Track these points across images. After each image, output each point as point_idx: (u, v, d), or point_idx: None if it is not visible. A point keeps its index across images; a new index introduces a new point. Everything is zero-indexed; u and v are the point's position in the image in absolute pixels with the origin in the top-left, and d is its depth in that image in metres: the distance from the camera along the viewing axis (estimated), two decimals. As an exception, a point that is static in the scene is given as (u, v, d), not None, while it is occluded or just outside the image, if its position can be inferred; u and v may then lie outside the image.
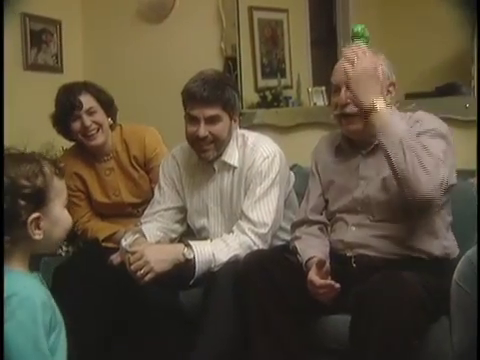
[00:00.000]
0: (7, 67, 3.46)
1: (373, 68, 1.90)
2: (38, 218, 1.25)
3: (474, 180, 2.21)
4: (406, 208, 1.97)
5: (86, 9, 3.80)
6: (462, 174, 2.12)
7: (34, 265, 2.79)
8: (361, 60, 1.89)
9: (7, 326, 1.17)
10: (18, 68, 3.58)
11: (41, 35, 3.64)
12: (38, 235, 1.26)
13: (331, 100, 2.17)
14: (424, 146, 1.84)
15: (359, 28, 2.02)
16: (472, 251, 1.73)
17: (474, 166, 1.91)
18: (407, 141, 1.81)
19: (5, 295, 1.19)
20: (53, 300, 1.29)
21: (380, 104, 1.87)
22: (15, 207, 1.22)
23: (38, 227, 1.25)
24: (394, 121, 1.86)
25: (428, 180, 1.79)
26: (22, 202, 1.22)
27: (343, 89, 2.05)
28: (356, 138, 2.15)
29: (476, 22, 2.28)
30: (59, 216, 1.31)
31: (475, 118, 2.36)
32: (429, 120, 2.04)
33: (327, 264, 1.98)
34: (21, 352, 1.18)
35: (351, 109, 2.04)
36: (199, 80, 2.26)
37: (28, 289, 1.23)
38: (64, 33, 3.72)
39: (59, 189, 1.31)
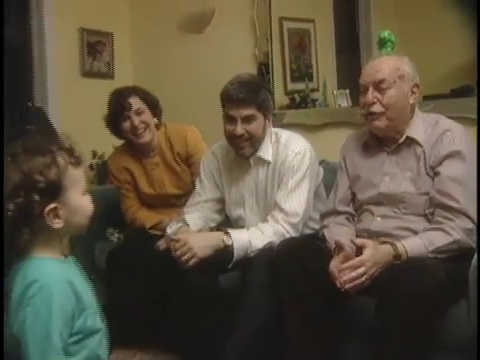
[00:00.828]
0: (67, 74, 3.58)
1: None
2: (55, 208, 1.17)
3: None
4: (429, 204, 1.94)
5: (134, 22, 3.84)
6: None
7: (89, 250, 2.87)
8: None
9: (26, 311, 1.12)
10: (76, 75, 3.66)
11: (96, 46, 3.71)
12: (58, 224, 1.19)
13: (359, 100, 2.12)
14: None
15: (385, 34, 2.00)
16: None
17: None
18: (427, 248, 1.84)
19: (27, 281, 1.14)
20: (78, 286, 1.21)
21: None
22: (30, 201, 1.15)
23: (57, 216, 1.18)
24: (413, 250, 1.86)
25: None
26: (36, 196, 1.15)
27: (370, 90, 2.01)
28: (381, 134, 2.10)
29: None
30: (77, 203, 1.22)
31: None
32: (452, 135, 1.98)
33: (347, 248, 1.91)
34: (36, 339, 1.12)
35: (377, 108, 2.01)
36: (236, 83, 2.24)
37: (47, 277, 1.16)
38: (115, 44, 3.78)
39: (75, 177, 1.22)
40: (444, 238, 1.85)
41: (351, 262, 1.83)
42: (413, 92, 2.03)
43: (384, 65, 2.02)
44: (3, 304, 1.16)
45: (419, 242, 1.86)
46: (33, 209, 1.15)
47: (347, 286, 1.81)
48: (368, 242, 1.87)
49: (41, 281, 1.13)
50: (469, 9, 2.50)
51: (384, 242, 1.93)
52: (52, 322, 1.12)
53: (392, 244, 1.87)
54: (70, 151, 1.23)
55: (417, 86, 2.04)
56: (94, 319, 1.24)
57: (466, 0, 2.57)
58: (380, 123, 2.02)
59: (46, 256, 1.21)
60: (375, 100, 2.00)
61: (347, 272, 1.82)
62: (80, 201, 1.23)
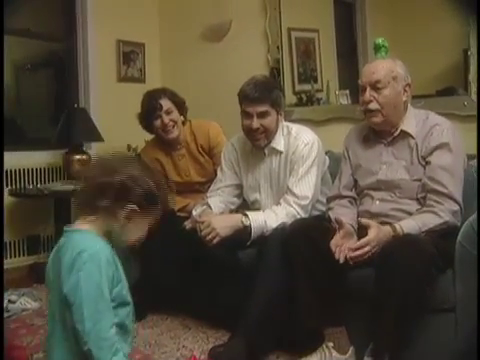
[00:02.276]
0: (106, 79, 3.57)
1: None
2: (134, 211, 1.19)
3: (473, 162, 2.07)
4: (421, 190, 1.91)
5: (163, 34, 3.85)
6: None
7: None
8: None
9: (79, 275, 1.12)
10: (113, 80, 3.69)
11: (130, 55, 3.74)
12: (119, 222, 1.19)
13: (359, 98, 2.05)
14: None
15: (380, 40, 1.97)
16: (473, 218, 1.67)
17: (472, 151, 2.01)
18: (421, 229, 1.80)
19: (78, 250, 1.14)
20: (116, 259, 1.22)
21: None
22: (133, 192, 1.17)
23: (127, 218, 1.19)
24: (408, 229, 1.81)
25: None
26: (140, 191, 1.18)
27: (367, 89, 1.96)
28: (378, 129, 2.04)
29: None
30: (141, 226, 1.24)
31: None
32: (440, 128, 1.92)
33: (347, 226, 1.88)
34: (89, 298, 1.12)
35: (373, 105, 1.96)
36: (252, 83, 2.18)
37: (97, 247, 1.17)
38: (147, 52, 3.81)
39: (157, 214, 1.25)
40: (435, 220, 1.82)
41: (359, 242, 1.78)
42: (405, 91, 1.97)
43: (379, 67, 1.95)
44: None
45: (413, 223, 1.83)
46: (129, 196, 1.17)
47: (353, 261, 1.78)
48: (372, 223, 1.82)
49: (91, 250, 1.14)
50: (453, 22, 2.48)
51: (384, 222, 1.88)
52: (102, 282, 1.13)
53: (391, 225, 1.83)
54: (166, 195, 1.27)
55: (409, 85, 1.98)
56: (127, 292, 1.23)
57: (450, 13, 2.51)
58: (377, 119, 1.97)
59: (93, 232, 1.21)
60: (372, 98, 1.95)
61: (353, 250, 1.78)
62: (143, 227, 1.25)
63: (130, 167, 1.20)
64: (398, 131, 1.98)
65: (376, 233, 1.77)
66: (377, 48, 2.10)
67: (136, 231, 1.23)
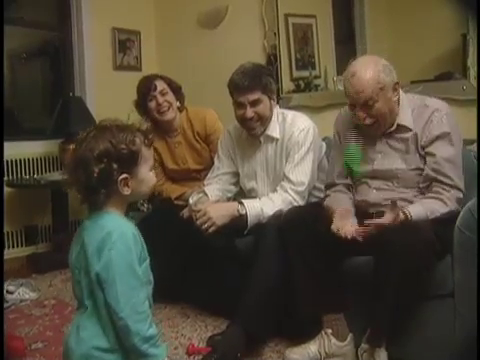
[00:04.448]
0: (101, 68, 3.54)
1: None
2: (126, 178, 1.19)
3: (473, 147, 2.04)
4: (423, 180, 1.87)
5: (158, 21, 3.82)
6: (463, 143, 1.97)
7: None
8: None
9: (111, 253, 1.15)
10: (109, 69, 3.66)
11: (126, 43, 3.71)
12: (126, 191, 1.20)
13: (349, 108, 1.92)
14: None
15: None
16: (471, 203, 1.65)
17: (471, 136, 1.89)
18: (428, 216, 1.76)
19: (106, 230, 1.17)
20: (141, 237, 1.24)
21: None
22: (110, 168, 1.17)
23: (127, 185, 1.20)
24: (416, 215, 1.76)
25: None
26: (115, 165, 1.17)
27: (357, 108, 1.84)
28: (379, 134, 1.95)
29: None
30: (145, 177, 1.24)
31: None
32: (439, 115, 1.85)
33: (340, 208, 1.90)
34: (122, 274, 1.15)
35: (368, 121, 1.86)
36: (240, 73, 2.15)
37: (124, 227, 1.19)
38: (142, 40, 3.78)
39: (146, 156, 1.24)
40: (442, 208, 1.79)
41: (375, 221, 1.74)
42: (395, 89, 1.85)
43: (365, 84, 1.78)
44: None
45: (422, 210, 1.78)
46: (111, 175, 1.17)
47: (359, 238, 1.76)
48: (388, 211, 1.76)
49: (119, 230, 1.17)
50: (450, 9, 2.40)
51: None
52: (133, 260, 1.16)
53: (404, 212, 1.76)
54: (145, 133, 1.25)
55: (397, 83, 1.85)
56: (149, 270, 1.26)
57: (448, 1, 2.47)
58: (377, 131, 1.90)
59: (117, 212, 1.23)
60: (365, 115, 1.84)
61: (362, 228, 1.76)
62: (147, 175, 1.25)
63: (98, 146, 1.18)
64: (394, 126, 1.90)
65: (391, 219, 1.71)
66: None
67: (144, 185, 1.24)
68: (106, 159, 1.16)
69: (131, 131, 1.22)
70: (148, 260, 1.24)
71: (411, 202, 1.85)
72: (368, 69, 1.79)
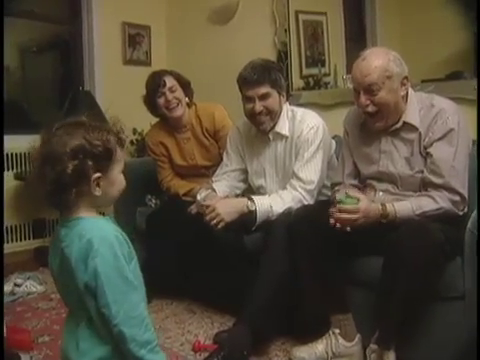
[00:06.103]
0: (111, 62, 3.52)
1: None
2: (99, 178, 1.14)
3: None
4: (423, 184, 1.83)
5: (169, 16, 3.79)
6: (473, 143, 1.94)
7: (131, 214, 2.82)
8: None
9: (95, 261, 1.08)
10: (119, 63, 3.65)
11: (136, 37, 3.69)
12: (98, 192, 1.14)
13: (355, 98, 1.89)
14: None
15: (342, 197, 1.81)
16: None
17: None
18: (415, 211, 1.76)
19: (85, 239, 1.10)
20: (126, 236, 1.17)
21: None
22: (85, 166, 1.10)
23: (98, 185, 1.14)
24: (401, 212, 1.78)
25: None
26: (90, 162, 1.11)
27: (361, 93, 1.81)
28: (381, 129, 1.91)
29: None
30: (116, 179, 1.18)
31: None
32: (444, 116, 1.80)
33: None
34: (110, 281, 1.08)
35: (371, 109, 1.82)
36: (249, 68, 2.13)
37: (103, 230, 1.13)
38: (152, 35, 3.76)
39: (119, 157, 1.18)
40: (431, 204, 1.76)
41: (349, 207, 1.77)
42: (403, 84, 1.81)
43: (372, 68, 1.77)
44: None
45: (408, 205, 1.78)
46: (85, 173, 1.11)
47: (337, 225, 1.77)
48: (362, 196, 1.81)
49: (99, 235, 1.11)
50: (462, 7, 2.38)
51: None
52: (120, 263, 1.11)
53: (382, 205, 1.79)
54: (117, 134, 1.20)
55: (406, 78, 1.81)
56: (138, 269, 1.19)
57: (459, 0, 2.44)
58: (380, 124, 1.86)
59: (91, 216, 1.16)
60: (368, 102, 1.81)
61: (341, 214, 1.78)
62: (118, 177, 1.19)
63: (72, 142, 1.11)
64: (400, 123, 1.87)
65: (366, 205, 1.77)
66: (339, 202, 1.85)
67: (115, 187, 1.19)
68: (81, 155, 1.10)
69: (105, 129, 1.16)
70: (136, 258, 1.17)
71: None
72: (379, 56, 1.79)
